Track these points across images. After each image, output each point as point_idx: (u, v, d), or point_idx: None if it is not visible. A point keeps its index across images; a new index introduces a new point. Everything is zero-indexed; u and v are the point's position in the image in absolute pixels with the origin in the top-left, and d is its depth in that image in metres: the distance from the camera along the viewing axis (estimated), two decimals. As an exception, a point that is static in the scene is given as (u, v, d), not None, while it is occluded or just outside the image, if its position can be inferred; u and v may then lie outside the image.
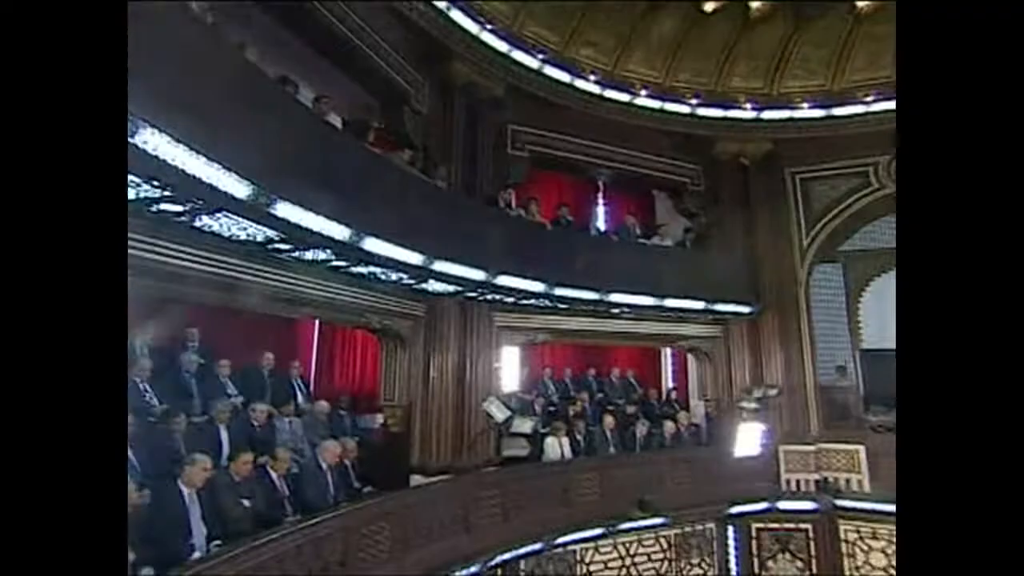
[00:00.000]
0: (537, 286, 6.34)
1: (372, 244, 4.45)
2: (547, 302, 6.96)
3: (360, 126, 5.93)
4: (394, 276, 5.34)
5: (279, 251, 4.39)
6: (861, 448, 7.87)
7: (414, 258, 4.92)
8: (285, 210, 3.66)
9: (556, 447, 6.70)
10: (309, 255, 4.60)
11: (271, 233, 3.94)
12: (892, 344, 9.07)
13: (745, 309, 8.21)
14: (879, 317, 8.98)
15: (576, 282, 6.72)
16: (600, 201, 9.22)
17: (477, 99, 7.09)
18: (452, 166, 6.63)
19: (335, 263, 4.84)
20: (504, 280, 5.97)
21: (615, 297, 7.11)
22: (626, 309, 7.57)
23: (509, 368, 7.52)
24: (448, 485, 5.82)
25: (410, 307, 6.33)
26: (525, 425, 6.36)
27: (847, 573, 7.75)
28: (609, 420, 7.37)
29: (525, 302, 6.86)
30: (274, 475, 4.42)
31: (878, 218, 8.73)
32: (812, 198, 8.86)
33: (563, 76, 7.65)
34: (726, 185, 8.92)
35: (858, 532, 7.81)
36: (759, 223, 8.74)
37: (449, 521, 5.39)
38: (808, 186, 8.91)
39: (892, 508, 7.57)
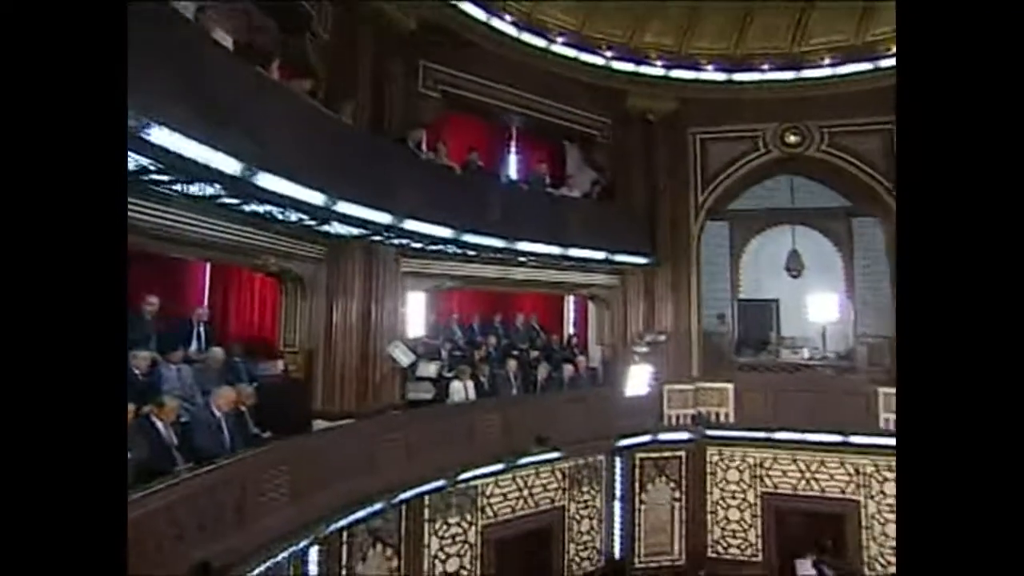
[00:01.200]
0: (446, 232, 6.29)
1: (267, 180, 4.13)
2: (455, 249, 6.96)
3: (257, 50, 5.37)
4: (293, 216, 5.05)
5: (156, 183, 3.97)
6: (730, 386, 8.93)
7: (315, 198, 4.67)
8: (160, 136, 3.28)
9: (461, 390, 6.92)
10: (194, 189, 4.20)
11: (144, 161, 3.52)
12: (763, 295, 10.23)
13: (643, 260, 8.75)
14: (756, 271, 10.02)
15: (485, 229, 6.75)
16: (511, 148, 9.20)
17: (387, 31, 6.64)
18: (358, 102, 6.24)
19: (225, 200, 4.47)
20: (412, 225, 5.85)
21: (523, 245, 7.26)
22: (533, 257, 7.78)
23: (415, 313, 7.52)
24: (352, 428, 5.85)
25: (311, 249, 6.07)
26: (430, 369, 6.48)
27: (708, 489, 8.97)
28: (513, 364, 7.68)
29: (433, 248, 6.81)
30: (160, 424, 4.18)
31: (763, 180, 9.55)
32: (709, 158, 9.42)
33: (479, 13, 7.35)
34: (633, 140, 9.24)
35: (720, 455, 9.02)
36: (660, 179, 9.21)
37: (353, 463, 5.45)
38: (707, 146, 9.44)
39: (748, 434, 8.81)
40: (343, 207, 4.94)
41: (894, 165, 8.68)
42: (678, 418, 8.88)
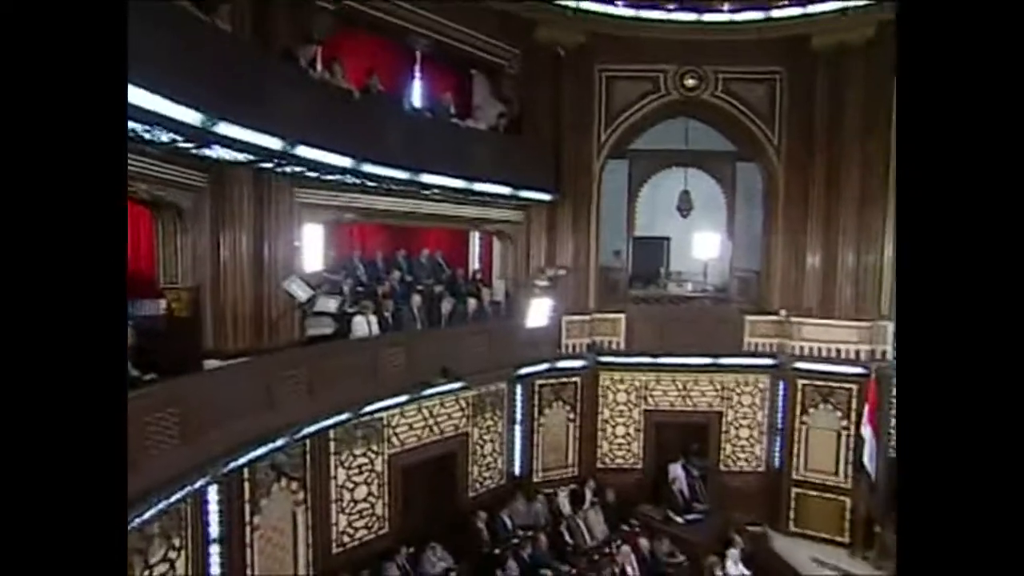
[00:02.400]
0: (343, 161, 5.96)
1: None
2: (354, 179, 6.65)
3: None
4: (165, 137, 4.50)
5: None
6: (623, 316, 9.67)
7: (189, 116, 4.18)
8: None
9: (364, 325, 6.85)
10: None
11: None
12: (656, 233, 10.94)
13: (546, 196, 8.92)
14: (650, 209, 10.63)
15: (387, 159, 6.47)
16: (416, 75, 8.70)
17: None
18: (237, 6, 5.50)
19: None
20: (305, 151, 5.47)
21: (427, 178, 7.09)
22: (438, 191, 7.64)
23: (313, 247, 7.20)
24: (248, 366, 5.63)
25: (191, 176, 5.49)
26: (330, 304, 6.31)
27: (599, 409, 9.88)
28: (417, 299, 7.69)
29: (330, 177, 6.45)
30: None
31: (662, 121, 9.92)
32: (613, 96, 9.55)
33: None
34: (541, 74, 9.11)
35: (611, 379, 9.89)
36: (566, 115, 9.25)
37: (251, 401, 5.30)
38: (612, 84, 9.54)
39: (637, 360, 9.69)
40: (224, 128, 4.48)
41: (778, 114, 9.43)
42: (574, 347, 9.52)
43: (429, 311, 7.85)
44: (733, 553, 8.67)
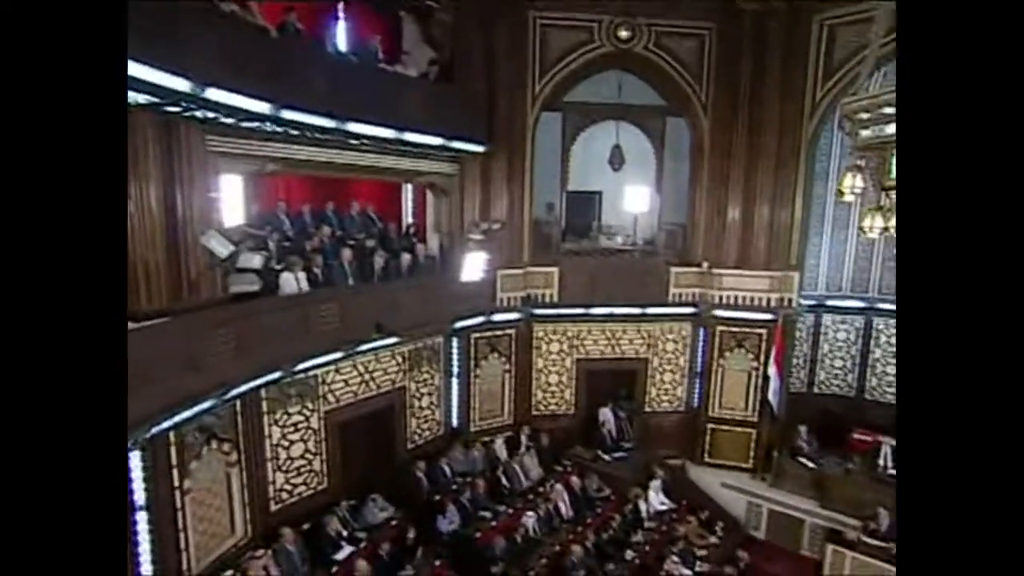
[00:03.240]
0: (260, 106, 5.56)
1: None
2: (275, 126, 6.23)
3: None
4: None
5: None
6: (556, 270, 9.89)
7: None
8: None
9: (292, 282, 6.60)
10: None
11: None
12: (588, 187, 11.11)
13: (480, 148, 8.77)
14: (583, 163, 10.74)
15: (309, 106, 6.10)
16: (340, 15, 8.11)
17: None
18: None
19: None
20: (216, 94, 5.04)
21: (354, 127, 6.76)
22: (366, 140, 7.32)
23: (232, 200, 6.76)
24: (167, 327, 5.30)
25: (83, 120, 4.92)
26: (254, 260, 6.01)
27: (533, 360, 10.23)
28: (347, 253, 7.47)
29: (247, 124, 6.01)
30: None
31: (596, 74, 9.90)
32: (548, 45, 9.36)
33: None
34: (474, 19, 8.75)
35: (544, 330, 10.21)
36: (500, 64, 9.00)
37: (173, 363, 5.04)
38: (546, 33, 9.32)
39: (569, 311, 10.03)
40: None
41: (706, 70, 9.65)
42: (509, 300, 9.68)
43: (361, 266, 7.67)
44: (655, 484, 9.50)
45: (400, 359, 8.72)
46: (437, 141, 8.04)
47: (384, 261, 7.88)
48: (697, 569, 7.95)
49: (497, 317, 9.63)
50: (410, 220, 9.90)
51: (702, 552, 8.40)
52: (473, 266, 8.21)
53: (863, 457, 9.41)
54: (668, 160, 10.52)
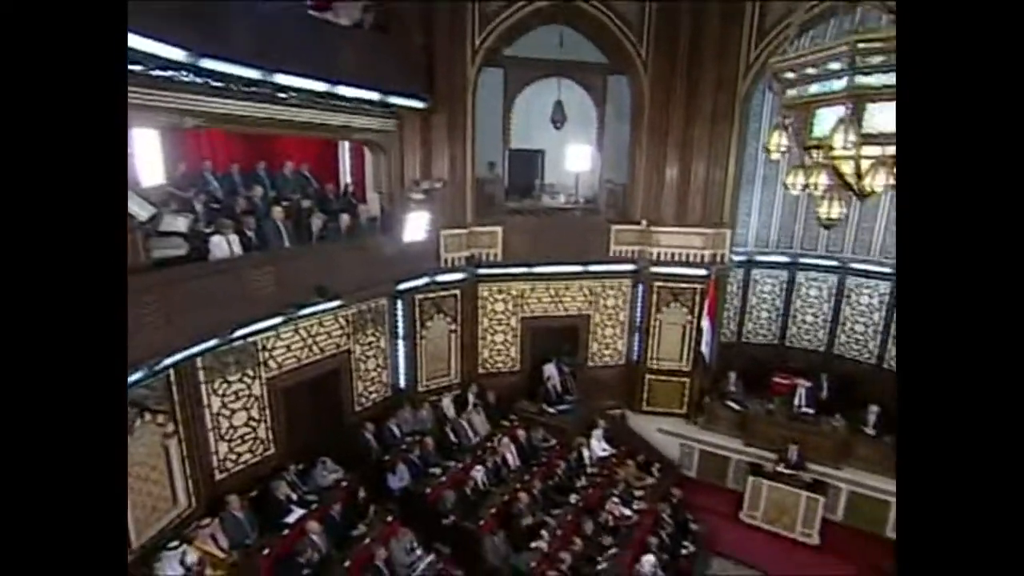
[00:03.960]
0: (176, 53, 5.10)
1: None
2: (193, 76, 5.76)
3: None
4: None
5: None
6: (499, 229, 9.90)
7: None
8: None
9: (224, 245, 6.28)
10: None
11: None
12: (531, 145, 11.05)
13: (418, 104, 8.48)
14: (525, 121, 10.63)
15: (231, 54, 5.65)
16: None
17: None
18: None
19: None
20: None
21: (283, 78, 6.35)
22: (296, 94, 6.91)
23: (149, 157, 6.26)
24: (84, 297, 4.96)
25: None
26: (179, 223, 5.65)
27: (479, 319, 10.34)
28: (279, 212, 7.14)
29: (162, 74, 5.51)
30: None
31: (538, 27, 9.66)
32: (488, -2, 9.04)
33: None
34: (409, -35, 8.28)
35: (489, 290, 10.29)
36: (438, 16, 8.63)
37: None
38: (486, -19, 8.98)
39: (514, 270, 10.14)
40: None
41: (647, 28, 9.65)
42: (453, 260, 9.64)
43: (298, 228, 7.38)
44: (597, 433, 10.02)
45: (344, 322, 8.58)
46: (373, 96, 7.70)
47: (322, 222, 7.61)
48: (635, 507, 8.55)
49: (441, 278, 9.59)
50: (348, 180, 9.54)
51: (640, 492, 9.02)
52: (415, 226, 8.09)
53: (782, 398, 10.28)
54: (610, 119, 10.58)
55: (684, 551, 8.04)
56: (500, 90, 10.01)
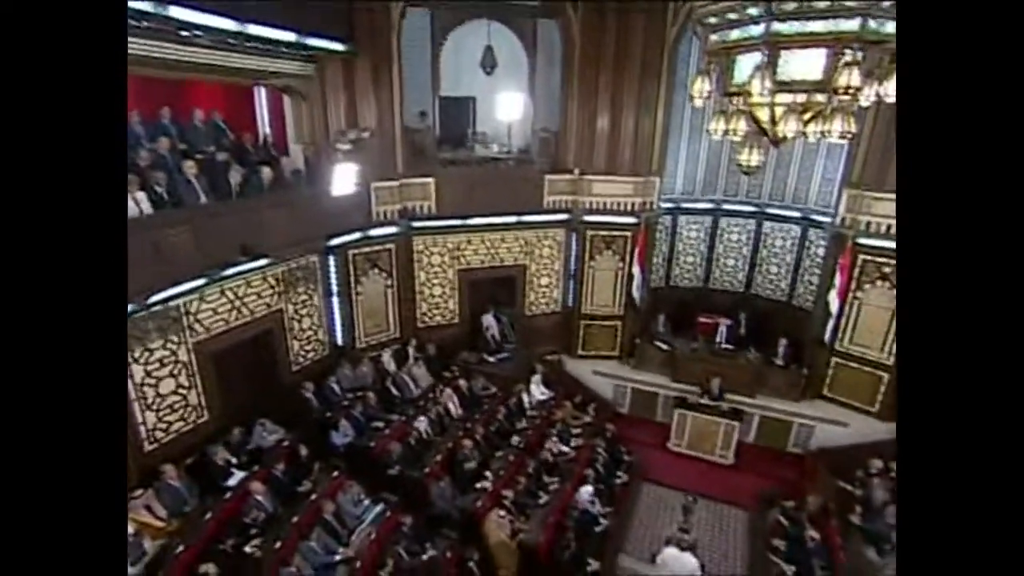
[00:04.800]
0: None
1: None
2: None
3: None
4: None
5: None
6: (432, 180, 9.68)
7: None
8: None
9: (130, 203, 5.78)
10: None
11: None
12: (462, 92, 10.72)
13: (339, 46, 7.96)
14: (455, 67, 10.26)
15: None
16: None
17: None
18: None
19: None
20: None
21: (179, 12, 5.72)
22: (199, 32, 6.27)
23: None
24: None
25: None
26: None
27: (415, 273, 10.25)
28: (191, 166, 6.62)
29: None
30: None
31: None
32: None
33: None
34: None
35: (424, 243, 10.17)
36: (355, -54, 7.99)
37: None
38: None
39: (448, 223, 10.05)
40: None
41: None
42: (386, 213, 9.40)
43: (214, 183, 6.90)
44: (535, 378, 10.40)
45: (274, 281, 8.25)
46: (289, 36, 7.12)
47: (241, 176, 7.14)
48: (573, 444, 9.08)
49: (375, 232, 9.36)
50: (267, 130, 8.92)
51: (577, 430, 9.57)
52: (344, 179, 7.76)
53: (706, 337, 11.05)
54: (541, 66, 10.41)
55: (618, 480, 8.70)
56: (427, 33, 9.55)
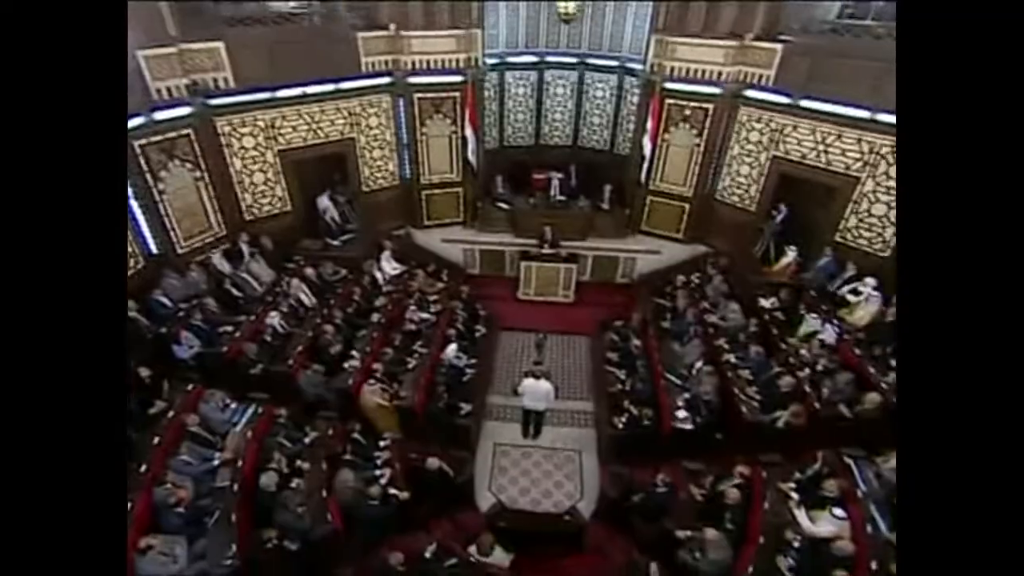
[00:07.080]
0: None
1: None
2: None
3: None
4: None
5: None
6: (221, 45, 8.14)
7: None
8: None
9: None
10: None
11: None
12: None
13: None
14: None
15: None
16: None
17: None
18: None
19: None
20: None
21: None
22: None
23: None
24: None
25: None
26: None
27: (229, 161, 9.03)
28: None
29: None
30: None
31: None
32: None
33: None
34: None
35: (231, 123, 8.85)
36: None
37: None
38: None
39: (253, 97, 8.77)
40: None
41: None
42: (170, 91, 7.86)
43: None
44: (385, 255, 10.39)
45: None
46: None
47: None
48: (432, 311, 9.55)
49: (160, 116, 7.85)
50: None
51: (434, 297, 10.00)
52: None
53: (541, 192, 11.75)
54: None
55: (478, 334, 9.51)
56: None
